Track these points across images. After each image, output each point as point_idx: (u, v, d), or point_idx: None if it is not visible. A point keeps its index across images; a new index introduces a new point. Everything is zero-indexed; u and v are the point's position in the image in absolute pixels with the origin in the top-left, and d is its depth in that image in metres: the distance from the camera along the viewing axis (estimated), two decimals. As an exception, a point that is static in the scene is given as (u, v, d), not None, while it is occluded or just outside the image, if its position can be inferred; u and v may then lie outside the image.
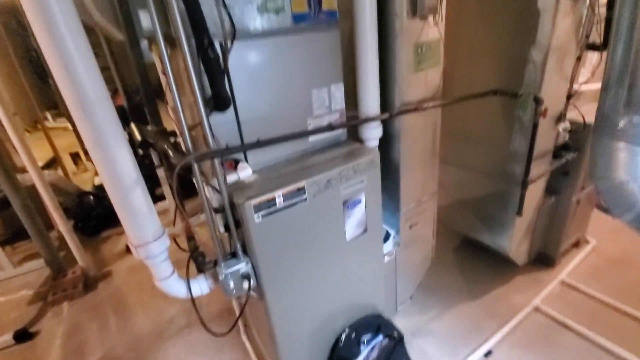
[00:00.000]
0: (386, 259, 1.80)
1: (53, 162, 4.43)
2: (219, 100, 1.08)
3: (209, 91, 1.10)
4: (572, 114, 1.95)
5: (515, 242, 2.14)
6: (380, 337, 1.64)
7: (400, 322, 1.79)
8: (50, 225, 2.79)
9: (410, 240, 1.90)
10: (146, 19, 1.05)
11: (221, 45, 1.08)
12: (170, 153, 1.07)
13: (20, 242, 3.00)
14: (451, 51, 1.95)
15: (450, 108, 2.12)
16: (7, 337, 2.18)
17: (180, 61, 1.03)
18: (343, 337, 1.57)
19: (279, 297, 1.30)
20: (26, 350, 2.17)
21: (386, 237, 1.85)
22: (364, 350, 1.60)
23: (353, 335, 1.58)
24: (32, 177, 2.43)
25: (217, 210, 1.16)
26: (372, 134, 1.47)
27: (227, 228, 1.19)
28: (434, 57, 1.51)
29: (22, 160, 2.40)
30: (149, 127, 1.33)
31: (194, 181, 1.10)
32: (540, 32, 1.62)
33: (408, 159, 1.64)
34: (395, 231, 1.85)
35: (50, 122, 6.75)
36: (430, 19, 1.43)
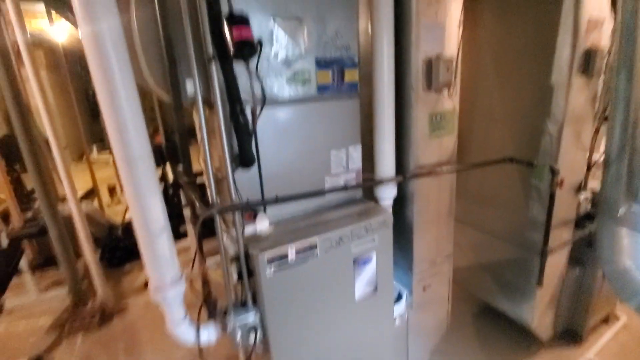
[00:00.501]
0: (398, 320, 1.76)
1: (91, 193, 4.75)
2: (245, 158, 1.19)
3: (236, 149, 1.22)
4: (594, 184, 1.94)
5: (537, 314, 2.02)
6: (387, 407, 1.55)
7: (411, 391, 1.69)
8: (78, 254, 2.94)
9: (423, 302, 1.85)
10: (190, 86, 1.21)
11: (252, 111, 1.21)
12: (197, 204, 1.17)
13: (48, 268, 3.16)
14: (467, 118, 2.04)
15: (467, 171, 2.17)
16: (21, 365, 2.24)
17: (214, 121, 1.17)
18: (347, 402, 1.50)
19: (284, 351, 1.30)
20: (36, 379, 2.21)
21: (398, 298, 1.82)
22: (369, 420, 1.52)
23: (358, 401, 1.52)
24: (72, 208, 2.63)
25: (232, 259, 1.23)
26: (387, 193, 1.53)
27: (240, 276, 1.24)
28: (448, 125, 1.60)
29: (65, 191, 2.62)
30: (181, 170, 1.45)
31: (215, 229, 1.18)
32: (554, 107, 1.68)
33: (421, 219, 1.67)
34: (407, 292, 1.82)
35: (94, 155, 7.34)
36: (445, 91, 1.54)
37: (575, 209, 1.94)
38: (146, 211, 1.06)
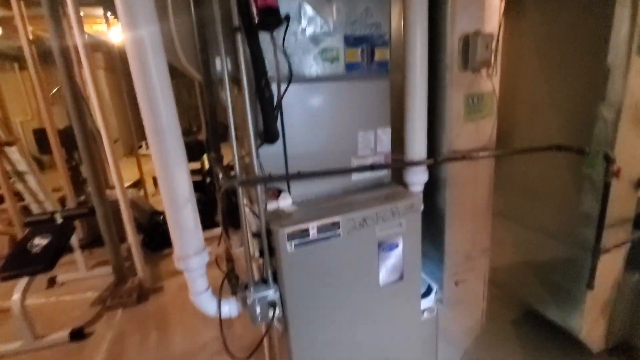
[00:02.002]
0: (426, 315, 1.67)
1: (138, 183, 5.09)
2: (269, 134, 1.19)
3: (261, 125, 1.22)
4: (659, 179, 1.71)
5: (587, 321, 1.82)
6: (411, 404, 1.47)
7: (439, 392, 1.59)
8: (122, 238, 3.14)
9: (456, 298, 1.74)
10: (219, 63, 1.24)
11: (277, 86, 1.21)
12: (220, 176, 1.19)
13: (96, 248, 3.41)
14: (509, 102, 1.90)
15: (510, 160, 2.02)
16: (64, 334, 2.42)
17: (241, 100, 1.18)
18: (368, 393, 1.45)
19: (303, 332, 1.28)
20: (76, 349, 2.37)
21: (428, 292, 1.73)
22: (391, 415, 1.45)
23: (380, 393, 1.45)
24: (118, 194, 2.82)
25: (254, 235, 1.23)
26: (417, 178, 1.45)
27: (262, 254, 1.24)
28: (486, 108, 1.49)
29: (113, 178, 2.82)
30: (212, 155, 1.49)
31: (237, 203, 1.19)
32: (610, 90, 1.51)
33: (455, 208, 1.57)
34: (438, 286, 1.72)
35: (143, 150, 7.86)
36: (484, 71, 1.44)
37: (635, 206, 1.73)
38: (172, 181, 1.09)
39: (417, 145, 1.41)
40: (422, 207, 1.38)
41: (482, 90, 1.47)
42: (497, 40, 1.44)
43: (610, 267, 1.76)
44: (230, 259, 1.41)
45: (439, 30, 1.40)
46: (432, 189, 1.58)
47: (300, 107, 1.30)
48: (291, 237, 1.16)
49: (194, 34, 1.26)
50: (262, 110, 1.16)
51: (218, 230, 3.28)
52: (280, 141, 1.27)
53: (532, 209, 1.98)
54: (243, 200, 1.17)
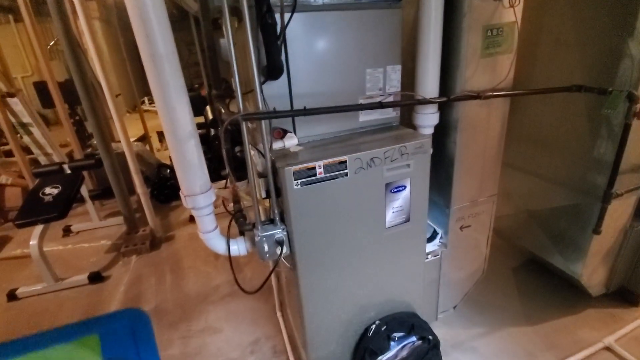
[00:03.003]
0: (430, 257, 1.70)
1: (143, 139, 5.07)
2: (273, 68, 1.13)
3: (264, 61, 1.15)
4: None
5: (589, 266, 1.85)
6: (413, 338, 1.54)
7: (439, 331, 1.66)
8: (132, 190, 3.19)
9: (459, 243, 1.76)
10: (217, -9, 1.14)
11: (281, 15, 1.13)
12: (223, 111, 1.15)
13: (107, 199, 3.49)
14: (531, 40, 1.77)
15: (523, 107, 1.93)
16: (83, 277, 2.55)
17: (243, 35, 1.11)
18: (373, 328, 1.52)
19: (311, 271, 1.31)
20: (96, 290, 2.51)
21: (433, 236, 1.75)
22: (394, 348, 1.52)
23: (383, 328, 1.52)
24: (123, 146, 2.81)
25: (260, 175, 1.22)
26: (427, 120, 1.40)
27: (268, 194, 1.23)
28: (506, 42, 1.39)
29: (118, 132, 2.79)
30: (213, 92, 1.43)
31: (242, 139, 1.16)
32: (639, 22, 1.38)
33: (465, 152, 1.53)
34: (443, 231, 1.73)
35: (146, 105, 7.75)
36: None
37: (654, 151, 1.66)
38: (173, 113, 1.05)
39: (429, 83, 1.34)
40: (431, 150, 1.34)
41: (503, 20, 1.35)
42: (523, -36, 1.30)
43: (619, 214, 1.74)
44: (237, 200, 1.42)
45: (458, -50, 1.26)
46: (442, 133, 1.52)
47: (304, 40, 1.22)
48: (297, 175, 1.14)
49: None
50: (265, 40, 1.09)
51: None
52: (284, 78, 1.21)
53: (541, 157, 1.92)
54: (247, 138, 1.14)
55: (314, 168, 1.16)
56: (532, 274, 2.32)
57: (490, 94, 1.37)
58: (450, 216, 1.66)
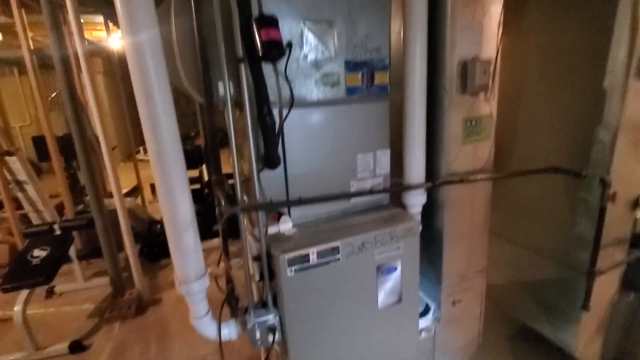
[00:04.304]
0: (423, 334, 1.68)
1: (136, 190, 5.09)
2: (271, 159, 1.20)
3: (263, 150, 1.23)
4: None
5: (582, 340, 1.84)
6: None
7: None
8: (120, 246, 3.14)
9: (452, 318, 1.76)
10: (221, 87, 1.25)
11: (279, 112, 1.23)
12: (222, 202, 1.20)
13: (94, 258, 3.41)
14: (508, 124, 1.92)
15: (507, 180, 2.04)
16: (63, 346, 2.42)
17: (243, 122, 1.20)
18: (366, 414, 1.45)
19: (303, 356, 1.29)
20: (76, 361, 2.37)
21: (425, 311, 1.74)
22: None
23: (378, 414, 1.46)
24: (116, 203, 2.83)
25: (255, 259, 1.24)
26: (415, 200, 1.47)
27: (262, 277, 1.25)
28: (484, 131, 1.51)
29: (111, 187, 2.82)
30: (212, 174, 1.50)
31: (239, 228, 1.20)
32: (607, 113, 1.54)
33: (452, 229, 1.59)
34: (435, 305, 1.74)
35: (141, 155, 7.85)
36: (482, 95, 1.46)
37: (631, 227, 1.75)
38: (175, 206, 1.10)
39: (415, 169, 1.43)
40: (420, 230, 1.39)
41: (480, 113, 1.49)
42: (495, 66, 1.46)
43: (606, 287, 1.78)
44: (229, 280, 1.42)
45: (438, 55, 1.42)
46: (430, 210, 1.59)
47: (301, 131, 1.31)
48: (291, 262, 1.17)
49: (197, 57, 1.28)
50: (264, 137, 1.17)
51: (216, 242, 3.29)
52: (281, 165, 1.29)
53: (527, 229, 2.00)
54: (244, 226, 1.18)
55: (308, 255, 1.19)
56: (528, 343, 2.28)
57: (473, 178, 1.46)
58: (442, 291, 1.67)
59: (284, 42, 1.17)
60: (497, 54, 1.45)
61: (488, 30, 1.43)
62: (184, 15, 1.27)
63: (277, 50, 1.04)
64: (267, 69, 1.18)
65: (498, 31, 1.45)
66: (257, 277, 1.26)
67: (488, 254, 1.77)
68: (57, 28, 2.60)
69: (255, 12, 1.10)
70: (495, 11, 1.42)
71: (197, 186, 4.04)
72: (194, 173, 4.36)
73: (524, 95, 1.86)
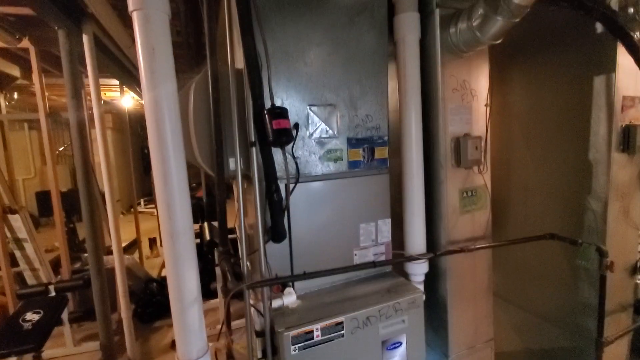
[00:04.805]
0: (432, 412, 1.60)
1: (134, 244, 5.03)
2: (277, 234, 1.25)
3: (269, 223, 1.28)
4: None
5: (600, 416, 1.74)
6: None
7: None
8: (114, 306, 3.04)
9: (462, 392, 1.68)
10: (233, 164, 1.34)
11: (286, 187, 1.30)
12: (229, 276, 1.22)
13: (86, 321, 3.27)
14: (503, 191, 2.00)
15: (508, 246, 2.07)
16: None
17: (250, 196, 1.26)
18: None
19: None
20: None
21: (433, 384, 1.67)
22: None
23: None
24: (115, 261, 2.80)
25: (258, 334, 1.23)
26: (417, 270, 1.50)
27: (264, 354, 1.22)
28: (480, 200, 1.58)
29: (112, 242, 2.81)
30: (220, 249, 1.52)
31: (245, 304, 1.21)
32: (595, 183, 1.62)
33: (456, 298, 1.58)
34: (443, 378, 1.67)
35: (141, 207, 7.88)
36: (475, 168, 1.56)
37: (633, 293, 1.75)
38: (182, 281, 1.12)
39: (416, 239, 1.47)
40: (423, 300, 1.40)
41: (475, 184, 1.57)
42: (486, 141, 1.57)
43: (615, 355, 1.73)
44: (230, 355, 1.38)
45: (432, 133, 1.54)
46: (433, 279, 1.60)
47: (306, 203, 1.37)
48: (295, 339, 1.16)
49: (211, 138, 1.38)
50: (272, 213, 1.23)
51: (215, 302, 3.19)
52: (286, 240, 1.33)
53: (532, 293, 1.99)
54: (249, 302, 1.19)
55: (312, 331, 1.18)
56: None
57: (473, 247, 1.50)
58: (449, 364, 1.62)
59: (292, 122, 1.28)
60: (486, 131, 1.58)
61: (477, 110, 1.57)
62: (201, 99, 1.39)
63: (286, 137, 1.14)
64: (276, 148, 1.28)
65: (486, 111, 1.58)
66: (259, 354, 1.23)
67: (496, 320, 1.74)
68: (77, 97, 2.78)
69: (266, 98, 1.22)
70: (482, 93, 1.57)
71: (197, 241, 4.01)
72: (194, 228, 4.35)
73: (515, 164, 1.97)
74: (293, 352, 1.16)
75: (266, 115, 1.12)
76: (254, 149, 1.19)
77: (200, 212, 4.45)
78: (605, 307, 1.56)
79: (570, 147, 1.73)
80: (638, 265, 1.75)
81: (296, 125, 1.31)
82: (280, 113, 1.13)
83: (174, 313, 1.15)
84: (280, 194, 1.24)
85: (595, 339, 1.59)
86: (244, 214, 1.27)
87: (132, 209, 5.07)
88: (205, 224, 4.04)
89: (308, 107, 1.35)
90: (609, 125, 1.61)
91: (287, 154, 1.28)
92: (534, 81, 1.87)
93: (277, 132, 1.11)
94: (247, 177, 1.39)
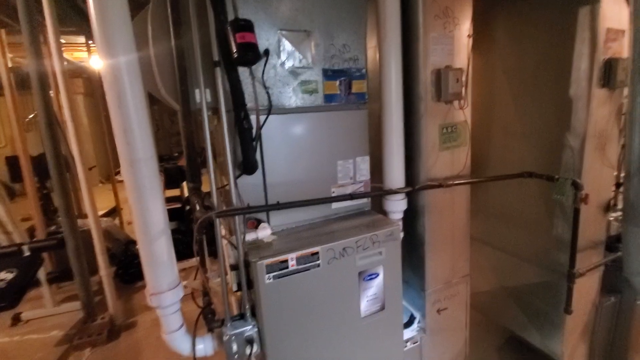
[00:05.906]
0: (409, 345, 1.64)
1: (114, 211, 4.91)
2: (248, 165, 1.19)
3: (240, 156, 1.22)
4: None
5: (568, 345, 1.83)
6: None
7: None
8: (94, 269, 2.98)
9: (438, 327, 1.72)
10: (198, 95, 1.25)
11: (256, 117, 1.22)
12: (197, 207, 1.16)
13: (65, 282, 3.22)
14: (483, 131, 1.98)
15: (485, 186, 2.08)
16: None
17: (221, 130, 1.18)
18: None
19: (283, 370, 1.22)
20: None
21: (410, 321, 1.71)
22: None
23: None
24: (90, 224, 2.71)
25: (232, 267, 1.19)
26: (396, 206, 1.47)
27: (239, 287, 1.20)
28: (460, 137, 1.55)
29: (86, 206, 2.72)
30: (190, 184, 1.47)
31: (215, 235, 1.16)
32: (574, 120, 1.61)
33: (434, 235, 1.58)
34: (420, 315, 1.70)
35: (120, 176, 7.65)
36: (456, 103, 1.51)
37: (605, 230, 1.80)
38: (147, 213, 1.06)
39: (395, 175, 1.44)
40: (401, 235, 1.39)
41: (455, 120, 1.53)
42: (467, 75, 1.51)
43: (587, 290, 1.80)
44: (206, 293, 1.36)
45: (412, 64, 1.47)
46: (411, 217, 1.59)
47: (279, 138, 1.31)
48: (270, 268, 1.13)
49: (174, 65, 1.28)
50: (241, 142, 1.16)
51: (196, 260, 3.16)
52: (259, 171, 1.27)
53: (508, 234, 2.02)
54: (220, 232, 1.14)
55: (287, 261, 1.16)
56: (516, 351, 2.25)
57: (452, 182, 1.48)
58: (426, 299, 1.65)
59: (261, 49, 1.19)
60: (468, 63, 1.51)
61: (459, 41, 1.49)
62: (161, 25, 1.27)
63: (252, 53, 1.04)
64: (244, 75, 1.19)
65: (468, 42, 1.51)
66: (234, 287, 1.21)
67: (472, 261, 1.77)
68: (35, 45, 2.56)
69: (231, 17, 1.11)
70: (464, 22, 1.49)
71: (178, 205, 3.94)
72: (176, 192, 4.27)
73: (497, 103, 1.93)
74: (267, 281, 1.13)
75: (229, 29, 1.02)
76: (218, 70, 1.10)
77: (181, 176, 4.37)
78: (577, 241, 1.59)
79: (553, 84, 1.70)
80: (611, 203, 1.78)
81: (266, 52, 1.22)
82: (245, 25, 1.03)
83: (140, 247, 1.10)
84: (249, 121, 1.16)
85: (567, 271, 1.64)
86: (212, 147, 1.20)
87: (110, 178, 4.91)
88: (184, 185, 3.96)
89: (279, 32, 1.25)
90: (590, 60, 1.57)
91: (256, 81, 1.20)
92: (518, 14, 1.80)
93: (241, 46, 1.01)
94: (215, 111, 1.31)
